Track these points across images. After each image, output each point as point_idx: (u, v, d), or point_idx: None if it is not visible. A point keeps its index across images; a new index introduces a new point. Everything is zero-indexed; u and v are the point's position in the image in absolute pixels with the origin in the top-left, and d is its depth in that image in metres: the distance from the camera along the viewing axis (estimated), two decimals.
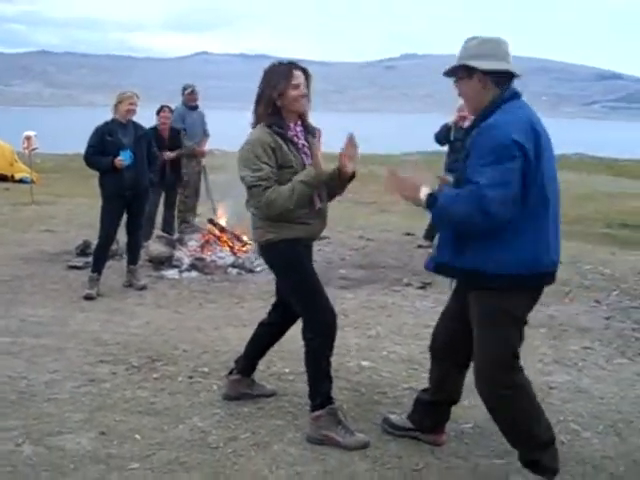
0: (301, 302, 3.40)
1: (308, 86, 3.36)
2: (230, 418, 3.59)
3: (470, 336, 2.99)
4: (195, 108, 8.86)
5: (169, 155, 8.06)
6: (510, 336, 2.91)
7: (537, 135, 2.79)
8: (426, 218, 8.99)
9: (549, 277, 2.93)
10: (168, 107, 8.40)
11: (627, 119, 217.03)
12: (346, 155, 3.27)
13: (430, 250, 8.36)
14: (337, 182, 3.41)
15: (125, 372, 4.23)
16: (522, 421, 2.92)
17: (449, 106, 8.39)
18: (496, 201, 2.67)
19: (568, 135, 39.18)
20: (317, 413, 3.36)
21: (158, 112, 8.25)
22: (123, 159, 6.03)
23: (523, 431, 2.93)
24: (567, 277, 6.82)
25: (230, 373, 3.85)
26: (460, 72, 2.96)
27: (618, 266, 7.78)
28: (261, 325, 3.78)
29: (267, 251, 3.43)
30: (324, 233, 3.75)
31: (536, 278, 2.87)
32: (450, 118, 8.68)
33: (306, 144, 3.40)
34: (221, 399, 3.80)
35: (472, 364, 3.06)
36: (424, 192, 2.88)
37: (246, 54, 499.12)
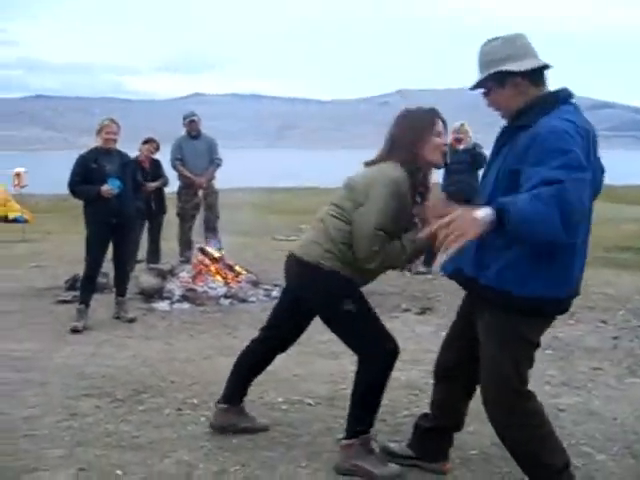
0: (362, 333, 3.09)
1: None
2: (219, 451, 3.35)
3: (478, 356, 2.76)
4: (197, 137, 8.68)
5: (151, 185, 8.11)
6: (520, 359, 2.64)
7: (589, 150, 2.45)
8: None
9: (568, 305, 2.68)
10: (154, 140, 8.50)
11: (620, 147, 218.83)
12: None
13: (429, 276, 8.19)
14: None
15: (109, 405, 3.98)
16: (535, 450, 2.66)
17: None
18: (576, 194, 2.24)
19: None
20: (349, 442, 3.12)
21: (144, 142, 8.41)
22: (111, 188, 5.84)
23: (536, 460, 2.67)
24: None
25: (218, 402, 3.60)
26: (489, 82, 2.58)
27: (621, 287, 7.61)
28: (252, 341, 3.52)
29: (325, 277, 3.04)
30: None
31: (559, 304, 2.63)
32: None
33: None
34: (210, 431, 3.56)
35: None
36: (483, 214, 2.24)
37: (239, 94, 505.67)
